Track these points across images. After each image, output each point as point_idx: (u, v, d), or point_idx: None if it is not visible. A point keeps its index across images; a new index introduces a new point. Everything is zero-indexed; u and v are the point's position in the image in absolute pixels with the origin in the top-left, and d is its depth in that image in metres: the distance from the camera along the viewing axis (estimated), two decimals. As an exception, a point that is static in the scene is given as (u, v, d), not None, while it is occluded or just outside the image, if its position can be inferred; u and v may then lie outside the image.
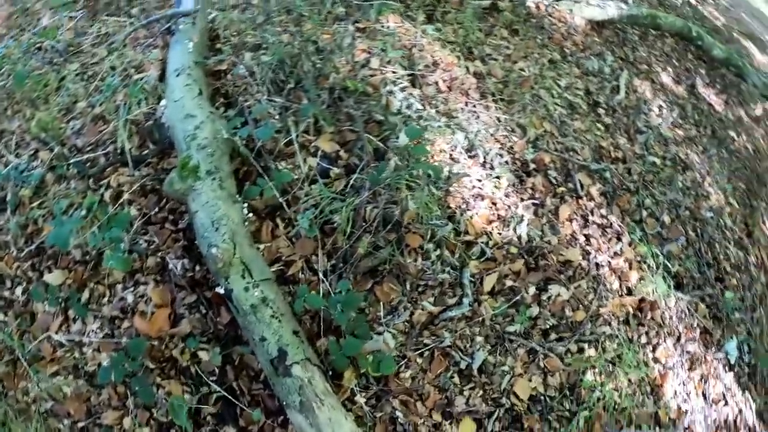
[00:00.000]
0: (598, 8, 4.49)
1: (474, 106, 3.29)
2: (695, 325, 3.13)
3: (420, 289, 2.55)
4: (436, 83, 3.36)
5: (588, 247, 2.93)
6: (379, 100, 3.06)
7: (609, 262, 2.94)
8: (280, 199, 2.54)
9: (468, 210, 2.80)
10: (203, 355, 2.30)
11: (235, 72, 3.09)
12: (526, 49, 3.91)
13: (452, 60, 3.55)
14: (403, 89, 3.21)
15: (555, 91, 3.66)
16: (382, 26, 3.57)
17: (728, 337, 3.19)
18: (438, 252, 2.62)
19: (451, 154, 2.97)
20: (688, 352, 3.02)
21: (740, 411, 3.14)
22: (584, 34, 4.42)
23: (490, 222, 2.82)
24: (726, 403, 3.08)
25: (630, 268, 2.99)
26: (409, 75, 3.31)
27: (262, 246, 2.49)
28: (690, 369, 3.00)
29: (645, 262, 3.04)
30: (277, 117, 2.86)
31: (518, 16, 4.17)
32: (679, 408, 2.84)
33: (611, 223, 3.09)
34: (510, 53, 3.79)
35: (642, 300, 2.94)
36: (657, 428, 2.72)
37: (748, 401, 3.19)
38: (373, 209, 2.59)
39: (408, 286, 2.53)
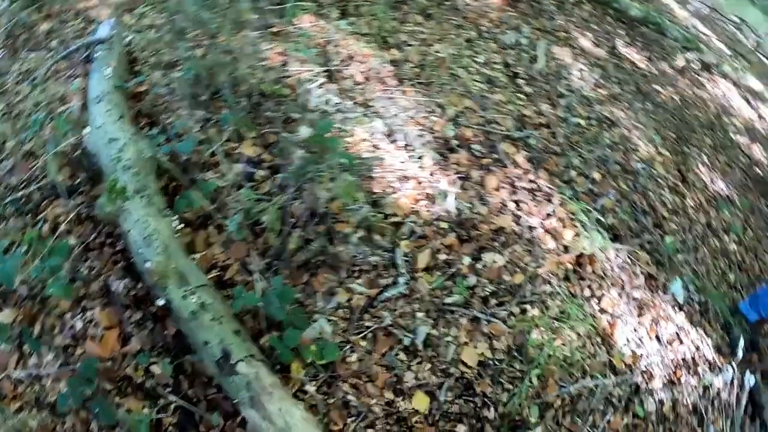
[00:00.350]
0: (510, -16, 4.57)
1: (392, 92, 3.33)
2: (638, 272, 3.18)
3: (355, 275, 2.55)
4: (353, 76, 3.40)
5: (519, 212, 2.98)
6: (296, 100, 3.08)
7: (542, 223, 2.99)
8: (210, 208, 2.55)
9: (394, 192, 2.82)
10: (156, 369, 2.28)
11: (155, 91, 3.10)
12: (442, 31, 3.98)
13: (368, 51, 3.59)
14: (320, 86, 3.24)
15: (473, 68, 3.72)
16: (297, 28, 3.60)
17: (672, 278, 3.24)
18: (368, 236, 2.63)
19: (372, 142, 3.00)
20: (635, 299, 3.07)
21: (697, 348, 3.20)
22: (499, 10, 4.50)
23: (418, 201, 2.85)
24: (681, 342, 3.13)
25: (564, 226, 3.03)
26: (325, 71, 3.35)
27: (198, 255, 2.48)
28: (639, 315, 3.04)
29: (578, 220, 3.09)
30: (199, 130, 2.87)
31: (432, 1, 4.23)
32: (634, 353, 2.88)
33: (540, 187, 3.14)
34: (425, 38, 3.85)
35: (580, 256, 2.98)
36: (614, 376, 2.75)
37: (703, 338, 3.25)
38: (300, 204, 2.61)
39: (343, 274, 2.54)
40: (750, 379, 3.30)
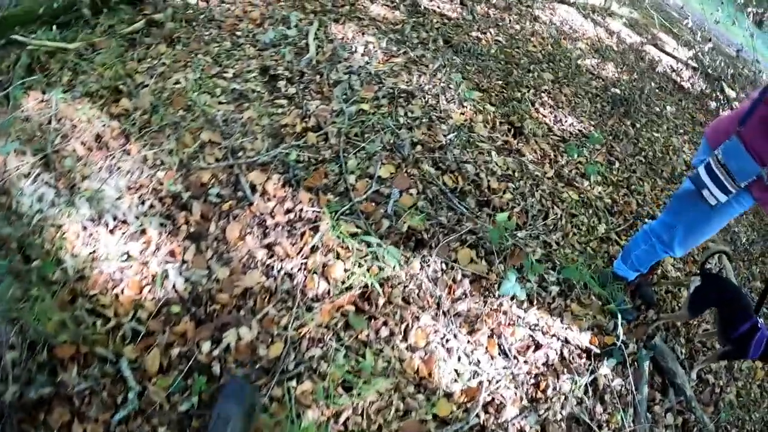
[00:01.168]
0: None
1: (114, 156, 2.65)
2: (459, 278, 2.52)
3: (87, 401, 1.94)
4: (74, 151, 2.73)
5: (272, 260, 2.31)
6: (10, 207, 2.43)
7: (304, 264, 2.31)
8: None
9: (115, 287, 2.17)
10: None
11: None
12: (188, 55, 3.28)
13: (93, 113, 2.92)
14: (35, 179, 2.57)
15: (219, 89, 3.03)
16: (21, 111, 2.92)
17: (506, 272, 2.56)
18: (91, 352, 2.01)
19: (84, 233, 2.34)
20: (458, 315, 2.41)
21: (565, 341, 2.55)
22: (267, 2, 3.82)
23: (143, 288, 2.19)
24: (537, 347, 2.47)
25: (337, 258, 2.36)
26: (41, 158, 2.67)
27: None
28: (471, 332, 2.39)
29: (357, 242, 2.42)
30: None
31: (181, 21, 3.54)
32: (468, 388, 2.22)
33: (301, 215, 2.47)
34: (164, 70, 3.15)
35: (364, 289, 2.31)
36: (444, 428, 2.09)
37: (571, 325, 2.59)
38: (17, 338, 2.00)
39: (77, 403, 1.93)
40: (646, 357, 2.66)
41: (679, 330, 2.93)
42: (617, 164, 3.62)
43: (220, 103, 2.94)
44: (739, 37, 7.24)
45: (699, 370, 2.78)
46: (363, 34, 3.65)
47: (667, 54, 5.83)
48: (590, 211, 3.17)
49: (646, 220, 3.36)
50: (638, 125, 4.13)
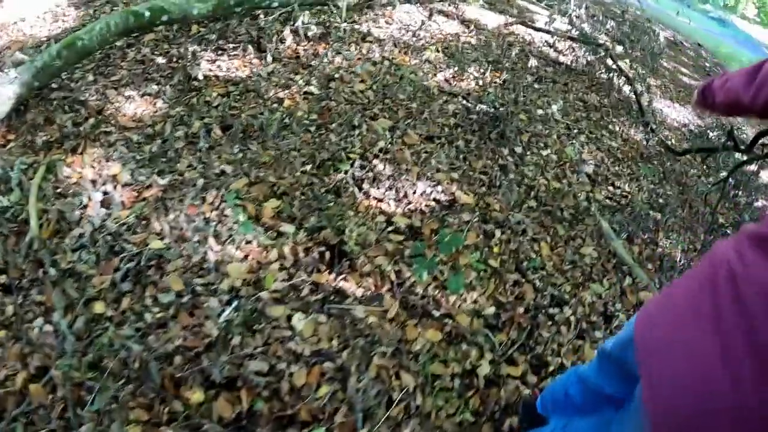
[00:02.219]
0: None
1: None
2: None
3: None
4: None
5: None
6: None
7: None
8: None
9: None
10: None
11: None
12: None
13: None
14: None
15: None
16: None
17: None
18: None
19: None
20: None
21: None
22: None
23: None
24: None
25: None
26: None
27: None
28: None
29: None
30: None
31: None
32: None
33: None
34: None
35: None
36: None
37: None
38: None
39: None
40: None
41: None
42: (498, 233, 2.63)
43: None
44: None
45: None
46: (108, 160, 2.60)
47: (540, 30, 4.77)
48: (463, 348, 2.20)
49: (551, 311, 2.41)
50: (519, 149, 3.10)
